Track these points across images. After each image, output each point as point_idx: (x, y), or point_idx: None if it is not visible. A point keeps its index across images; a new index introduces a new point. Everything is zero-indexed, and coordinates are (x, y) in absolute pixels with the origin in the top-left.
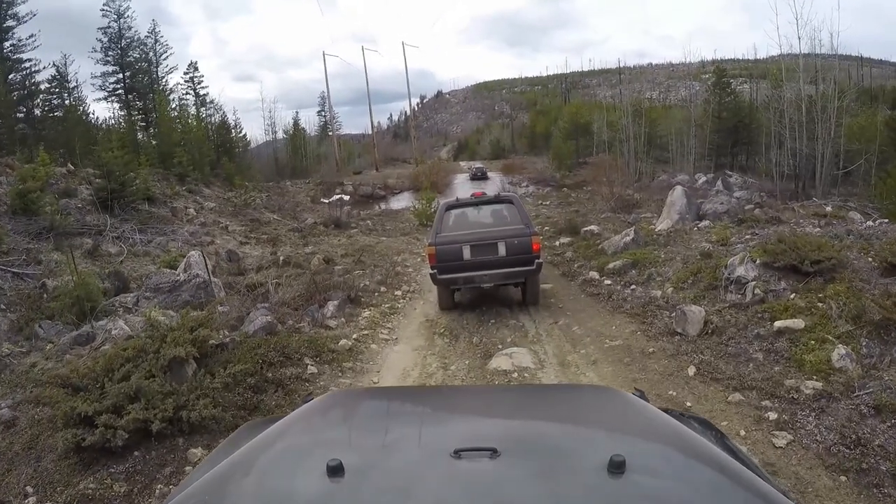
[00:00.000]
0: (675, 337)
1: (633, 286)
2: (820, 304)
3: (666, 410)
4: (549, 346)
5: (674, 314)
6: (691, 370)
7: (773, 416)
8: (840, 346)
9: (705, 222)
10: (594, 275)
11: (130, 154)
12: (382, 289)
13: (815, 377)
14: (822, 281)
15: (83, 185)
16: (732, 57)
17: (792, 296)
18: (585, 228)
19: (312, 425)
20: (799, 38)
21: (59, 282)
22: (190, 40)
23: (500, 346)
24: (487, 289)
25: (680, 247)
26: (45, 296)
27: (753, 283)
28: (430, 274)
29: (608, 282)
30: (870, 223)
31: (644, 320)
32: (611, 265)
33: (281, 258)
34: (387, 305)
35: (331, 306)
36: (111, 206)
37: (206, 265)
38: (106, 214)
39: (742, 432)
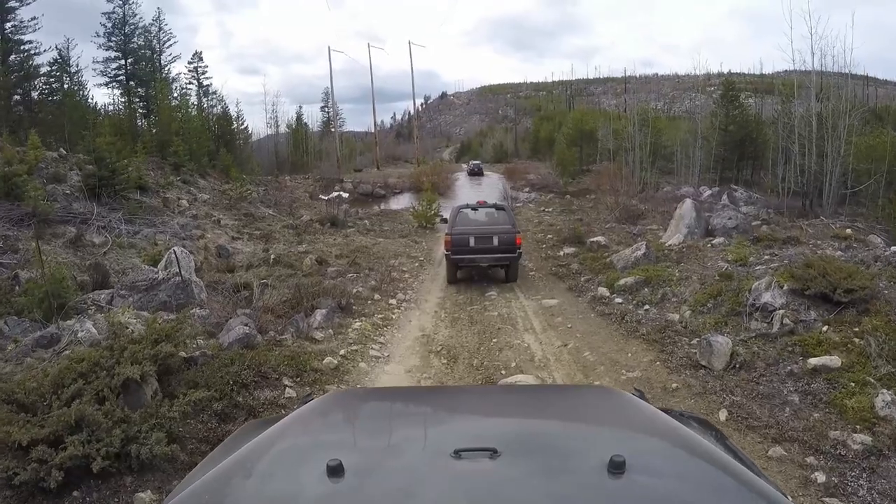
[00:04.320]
0: (699, 371)
1: (646, 306)
2: (856, 340)
3: (666, 410)
4: (557, 374)
5: (694, 341)
6: (723, 414)
7: (820, 477)
8: (883, 390)
9: (720, 239)
10: (604, 291)
11: (124, 141)
12: (376, 296)
13: (859, 427)
14: (855, 312)
15: (74, 171)
16: (738, 71)
17: (824, 328)
18: (592, 239)
19: (312, 425)
20: (812, 53)
21: (35, 273)
22: (197, 31)
23: (503, 372)
24: (483, 266)
25: (695, 265)
26: (16, 288)
27: (781, 311)
28: (445, 255)
29: (619, 300)
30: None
31: (663, 348)
32: (622, 281)
33: (272, 257)
34: (380, 316)
35: (318, 315)
36: (99, 194)
37: (179, 263)
38: (93, 202)
39: (788, 497)
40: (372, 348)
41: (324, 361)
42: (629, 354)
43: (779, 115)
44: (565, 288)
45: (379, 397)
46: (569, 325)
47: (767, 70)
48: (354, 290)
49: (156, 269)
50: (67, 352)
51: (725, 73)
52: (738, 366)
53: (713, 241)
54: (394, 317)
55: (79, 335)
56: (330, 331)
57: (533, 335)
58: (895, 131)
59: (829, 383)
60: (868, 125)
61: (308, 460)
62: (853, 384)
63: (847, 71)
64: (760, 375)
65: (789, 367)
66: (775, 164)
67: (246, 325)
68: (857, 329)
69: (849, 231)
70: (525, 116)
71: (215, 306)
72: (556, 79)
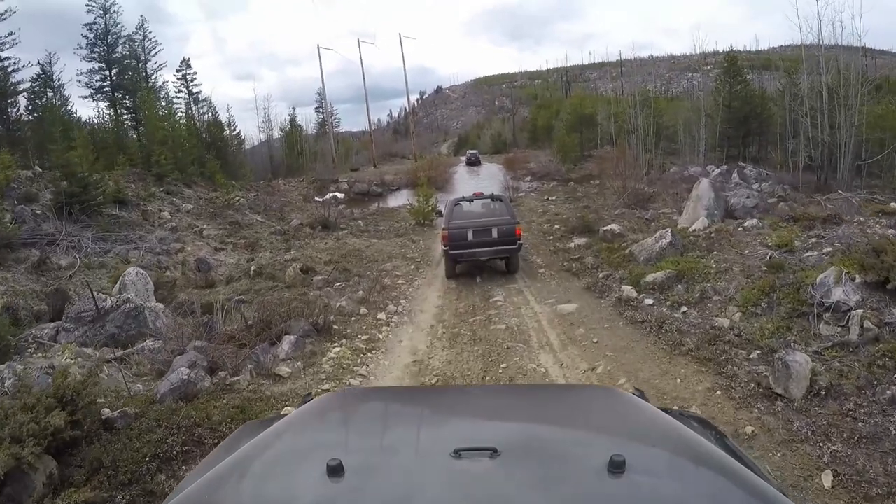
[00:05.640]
0: (774, 402)
1: (683, 308)
2: None
3: (666, 410)
4: None
5: (754, 355)
6: (826, 477)
7: None
8: None
9: (752, 221)
10: (629, 291)
11: (108, 154)
12: (363, 310)
13: None
14: None
15: (49, 188)
16: (734, 48)
17: None
18: (605, 228)
19: (312, 425)
20: (819, 20)
21: None
22: (189, 39)
23: None
24: (483, 260)
25: (731, 253)
26: None
27: (859, 312)
28: (443, 250)
29: (649, 301)
30: None
31: (720, 368)
32: (649, 278)
33: (252, 268)
34: (364, 337)
35: (287, 343)
36: (70, 211)
37: (130, 285)
38: (62, 221)
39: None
40: (350, 384)
41: (282, 413)
42: (678, 381)
43: (785, 87)
44: (582, 287)
45: (379, 397)
46: (594, 339)
47: (763, 46)
48: (337, 305)
49: (103, 297)
50: None
51: (721, 51)
52: (821, 392)
53: (744, 224)
54: (381, 336)
55: (6, 384)
56: (299, 363)
57: (551, 355)
58: None
59: None
60: (869, 95)
61: (308, 460)
62: None
63: (857, 37)
64: (856, 406)
65: (889, 392)
66: (783, 138)
67: (193, 363)
68: None
69: (894, 205)
70: (522, 106)
71: (172, 336)
72: (551, 66)
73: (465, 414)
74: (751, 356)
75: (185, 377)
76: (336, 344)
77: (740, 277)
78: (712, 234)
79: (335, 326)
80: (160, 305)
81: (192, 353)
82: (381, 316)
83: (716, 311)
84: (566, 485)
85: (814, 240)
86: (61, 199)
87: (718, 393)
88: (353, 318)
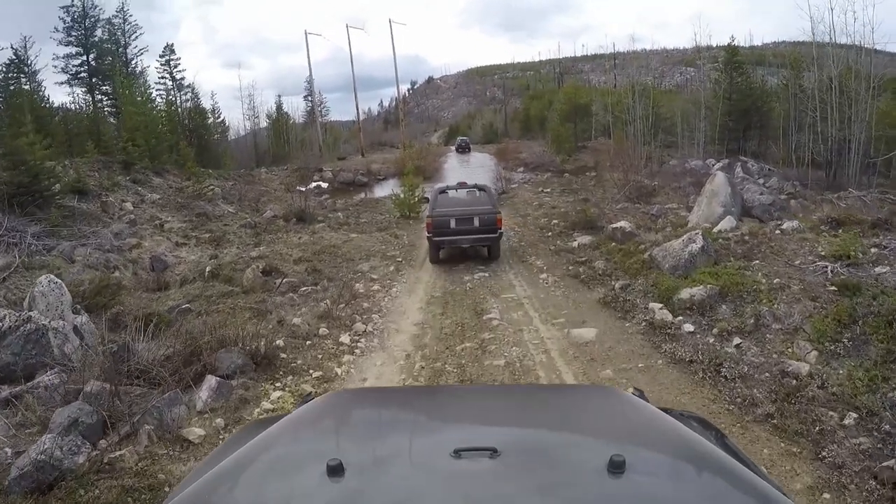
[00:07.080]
0: None
1: (737, 339)
2: None
3: (666, 410)
4: None
5: (849, 420)
6: None
7: None
8: None
9: (792, 223)
10: (661, 311)
11: (72, 140)
12: (322, 330)
13: None
14: None
15: (1, 178)
16: (733, 40)
17: None
18: (613, 226)
19: (313, 425)
20: (831, 10)
21: None
22: (179, 26)
23: None
24: (465, 247)
25: (779, 264)
26: None
27: None
28: (427, 236)
29: (689, 326)
30: None
31: (818, 449)
32: (684, 294)
33: (208, 269)
34: (317, 373)
35: (206, 389)
36: (13, 203)
37: (40, 298)
38: (5, 214)
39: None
40: None
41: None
42: (763, 469)
43: (789, 80)
44: (597, 302)
45: (379, 397)
46: (627, 389)
47: (758, 42)
48: (292, 321)
49: (2, 314)
50: None
51: (716, 46)
52: None
53: (782, 227)
54: (339, 372)
55: None
56: (219, 420)
57: None
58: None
59: None
60: (875, 91)
61: (308, 460)
62: None
63: (870, 28)
64: None
65: None
66: (786, 133)
67: (74, 422)
68: None
69: None
70: (514, 97)
71: (85, 365)
72: (543, 58)
73: (464, 414)
74: (845, 421)
75: (42, 455)
76: (278, 384)
77: (805, 300)
78: (746, 238)
79: (283, 355)
80: (81, 319)
81: (78, 403)
82: (345, 339)
83: (779, 346)
84: (566, 485)
85: (874, 250)
86: (10, 190)
87: (827, 496)
88: (308, 343)
